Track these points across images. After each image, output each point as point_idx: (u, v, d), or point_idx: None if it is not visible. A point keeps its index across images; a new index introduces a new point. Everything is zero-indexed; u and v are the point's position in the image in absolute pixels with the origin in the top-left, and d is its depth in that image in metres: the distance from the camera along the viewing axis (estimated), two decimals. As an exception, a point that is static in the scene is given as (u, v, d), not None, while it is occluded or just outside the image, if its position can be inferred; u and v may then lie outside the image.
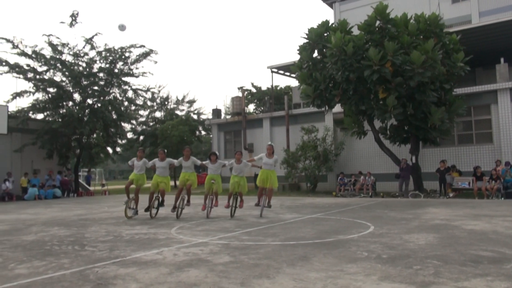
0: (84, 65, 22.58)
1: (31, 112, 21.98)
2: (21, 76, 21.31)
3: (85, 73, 22.25)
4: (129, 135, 30.97)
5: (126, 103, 24.54)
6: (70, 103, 22.55)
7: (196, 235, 7.39)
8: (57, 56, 21.88)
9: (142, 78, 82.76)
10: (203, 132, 36.77)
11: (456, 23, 23.19)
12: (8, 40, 21.01)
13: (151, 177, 10.83)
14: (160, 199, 10.27)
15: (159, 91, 35.25)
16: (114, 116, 23.54)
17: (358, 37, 15.32)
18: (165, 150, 10.57)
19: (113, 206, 14.58)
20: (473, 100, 18.52)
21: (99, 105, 22.57)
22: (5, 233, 8.30)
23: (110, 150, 26.04)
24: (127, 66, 23.42)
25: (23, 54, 21.30)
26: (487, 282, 4.01)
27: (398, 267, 4.65)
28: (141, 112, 30.44)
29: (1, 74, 21.22)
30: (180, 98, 36.32)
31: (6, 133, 20.17)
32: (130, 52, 23.21)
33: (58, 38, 22.14)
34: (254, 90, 39.88)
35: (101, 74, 22.78)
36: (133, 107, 25.64)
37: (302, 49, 17.04)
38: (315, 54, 17.12)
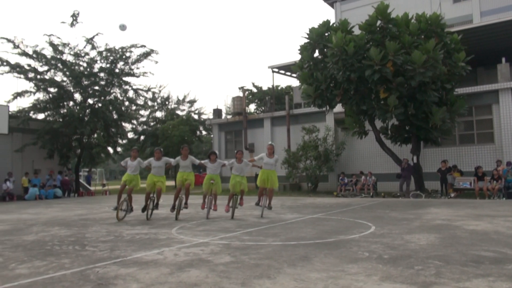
0: (85, 65, 22.61)
1: (32, 112, 22.01)
2: (22, 76, 21.34)
3: (86, 73, 22.27)
4: (130, 135, 30.99)
5: (127, 103, 24.56)
6: (71, 103, 22.58)
7: (197, 235, 7.39)
8: (58, 56, 21.91)
9: (143, 78, 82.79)
10: (203, 132, 36.79)
11: (458, 22, 23.17)
12: (9, 40, 21.05)
13: (145, 177, 10.45)
14: (155, 201, 9.89)
15: (160, 91, 35.33)
16: (115, 116, 23.57)
17: (359, 36, 15.31)
18: (162, 149, 10.23)
19: (114, 206, 14.56)
20: (475, 100, 18.50)
21: (99, 105, 22.59)
22: (6, 233, 8.31)
23: (110, 150, 26.07)
24: (128, 66, 23.44)
25: (24, 54, 21.34)
26: (488, 283, 4.00)
27: (399, 268, 4.64)
28: (142, 112, 30.48)
29: (2, 74, 21.30)
30: (181, 98, 36.39)
31: (7, 133, 20.20)
32: (131, 52, 23.24)
33: (59, 38, 22.20)
34: (255, 90, 39.88)
35: (102, 74, 22.80)
36: (133, 107, 25.67)
37: (303, 49, 17.04)
38: (316, 54, 17.12)
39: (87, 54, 22.64)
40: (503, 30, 19.24)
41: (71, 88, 22.40)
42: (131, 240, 7.01)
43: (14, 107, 22.94)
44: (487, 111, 18.44)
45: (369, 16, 15.75)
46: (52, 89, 22.00)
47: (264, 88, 39.59)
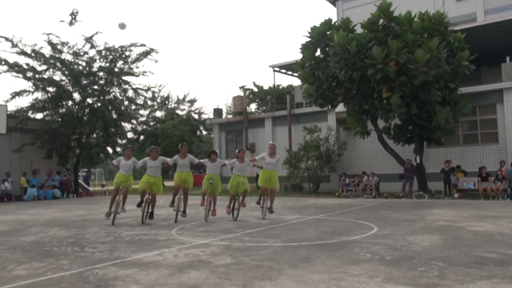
0: (84, 64, 22.62)
1: (30, 112, 22.04)
2: (20, 75, 21.37)
3: (85, 72, 22.29)
4: (130, 135, 31.09)
5: (126, 103, 24.58)
6: (70, 103, 22.59)
7: (197, 236, 7.39)
8: (57, 55, 21.93)
9: (143, 77, 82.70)
10: (204, 132, 36.87)
11: (461, 21, 23.15)
12: (7, 39, 21.07)
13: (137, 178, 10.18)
14: (150, 209, 9.35)
15: (160, 91, 35.44)
16: (114, 116, 23.58)
17: (361, 35, 15.30)
18: (157, 148, 9.75)
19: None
20: (478, 99, 18.47)
21: (99, 104, 22.61)
22: (4, 234, 8.32)
23: (110, 150, 26.08)
24: (127, 65, 23.46)
25: (22, 53, 21.36)
26: (492, 285, 3.99)
27: (402, 269, 4.64)
28: (142, 111, 30.55)
29: (0, 73, 21.28)
30: (181, 98, 36.52)
31: (5, 133, 20.22)
32: (130, 51, 23.26)
33: (57, 37, 22.19)
34: (255, 89, 39.90)
35: (101, 73, 22.82)
36: (133, 107, 25.69)
37: (305, 48, 17.03)
38: (318, 53, 17.11)
39: (86, 53, 22.67)
40: (507, 28, 19.21)
41: (70, 88, 22.42)
42: (130, 241, 7.01)
43: (12, 106, 23.03)
44: (491, 110, 18.42)
45: (372, 14, 15.74)
46: (50, 89, 22.02)
47: (265, 87, 39.61)
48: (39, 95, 21.98)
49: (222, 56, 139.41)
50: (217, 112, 28.49)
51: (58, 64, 21.92)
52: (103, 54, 22.75)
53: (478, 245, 5.99)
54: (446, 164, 16.31)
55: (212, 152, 9.88)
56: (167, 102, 35.81)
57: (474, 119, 18.71)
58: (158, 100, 35.23)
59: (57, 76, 22.32)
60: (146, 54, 23.54)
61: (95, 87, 22.70)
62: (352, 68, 15.08)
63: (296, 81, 34.67)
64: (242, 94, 28.03)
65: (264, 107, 37.52)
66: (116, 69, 23.08)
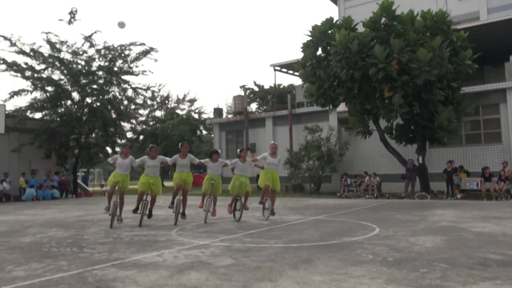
0: (83, 63, 22.64)
1: (29, 111, 22.05)
2: (18, 74, 21.40)
3: (84, 71, 22.30)
4: (129, 134, 31.08)
5: (125, 102, 24.60)
6: (69, 102, 22.62)
7: (197, 237, 7.39)
8: (56, 54, 21.95)
9: (142, 77, 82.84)
10: (204, 132, 36.88)
11: (464, 20, 23.13)
12: (5, 38, 21.10)
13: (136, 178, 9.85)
14: (149, 207, 9.13)
15: (160, 90, 35.42)
16: (114, 115, 23.60)
17: (363, 34, 15.30)
18: (156, 147, 9.46)
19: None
20: (482, 99, 18.47)
21: (98, 104, 22.62)
22: (2, 234, 8.33)
23: (109, 150, 26.10)
24: (126, 64, 23.47)
25: (21, 52, 21.39)
26: (495, 286, 3.99)
27: (404, 270, 4.64)
28: (141, 111, 30.56)
29: (-1, 72, 21.31)
30: (180, 97, 36.49)
31: (4, 132, 20.25)
32: (130, 50, 23.27)
33: (56, 35, 22.21)
34: (256, 89, 39.91)
35: (100, 73, 22.83)
36: (132, 106, 25.71)
37: (306, 47, 17.04)
38: (319, 52, 17.12)
39: (85, 52, 22.69)
40: (511, 27, 19.20)
41: (69, 87, 22.44)
42: (130, 242, 7.01)
43: (10, 106, 23.02)
44: (494, 110, 18.40)
45: (373, 13, 15.74)
46: (49, 88, 22.04)
47: (266, 86, 39.63)
48: (37, 94, 22.04)
49: (223, 55, 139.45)
50: (217, 111, 28.50)
51: (57, 63, 21.95)
52: (102, 53, 22.77)
53: (481, 246, 5.98)
54: (448, 164, 16.30)
55: (213, 152, 9.68)
56: (166, 102, 35.82)
57: (477, 119, 18.70)
58: (158, 99, 35.25)
59: (56, 76, 22.37)
60: (145, 53, 23.56)
61: (94, 86, 22.72)
62: (353, 67, 15.09)
63: (297, 81, 34.66)
64: (242, 93, 28.05)
65: (265, 107, 37.54)
66: (116, 68, 23.09)
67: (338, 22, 17.08)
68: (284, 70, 27.18)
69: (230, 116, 30.65)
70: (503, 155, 17.56)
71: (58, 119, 21.75)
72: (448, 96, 15.95)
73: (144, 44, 23.41)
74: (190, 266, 5.08)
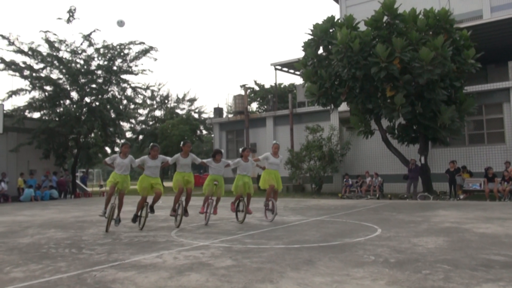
0: (81, 62, 22.66)
1: (27, 111, 22.06)
2: (17, 73, 21.42)
3: (82, 70, 22.32)
4: (128, 134, 31.07)
5: (125, 102, 24.61)
6: (68, 102, 22.63)
7: (197, 238, 7.39)
8: (54, 53, 21.97)
9: (142, 76, 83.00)
10: (204, 132, 36.88)
11: (467, 18, 23.10)
12: (4, 37, 21.12)
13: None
14: (150, 204, 8.70)
15: (159, 89, 35.42)
16: (113, 115, 23.61)
17: (365, 33, 15.30)
18: (158, 146, 9.02)
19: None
20: (485, 98, 18.45)
21: (97, 103, 22.63)
22: (0, 235, 8.33)
23: (108, 150, 26.11)
24: (126, 64, 23.48)
25: (19, 51, 21.40)
26: (499, 288, 3.99)
27: (406, 272, 4.63)
28: (141, 111, 30.57)
29: (-3, 71, 21.34)
30: (180, 97, 36.49)
31: (2, 132, 20.27)
32: (129, 49, 23.28)
33: (55, 34, 22.22)
34: (257, 88, 39.94)
35: (99, 72, 22.85)
36: (132, 106, 25.71)
37: (307, 46, 17.04)
38: (320, 51, 17.12)
39: (84, 51, 22.70)
40: (514, 26, 19.18)
41: (68, 86, 22.46)
42: (129, 243, 7.02)
43: (9, 105, 23.01)
44: (497, 109, 18.39)
45: (375, 11, 15.74)
46: (48, 87, 22.06)
47: (267, 86, 39.67)
48: (36, 94, 22.05)
49: (223, 54, 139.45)
50: (218, 111, 28.50)
51: (55, 62, 21.96)
52: (101, 52, 22.78)
53: (484, 247, 5.98)
54: (451, 165, 16.29)
55: (217, 151, 9.40)
56: (166, 101, 35.83)
57: (480, 119, 18.68)
58: (158, 99, 35.25)
59: (55, 75, 22.37)
60: (145, 52, 23.57)
61: (93, 85, 22.73)
62: (355, 67, 15.09)
63: (298, 80, 34.67)
64: (243, 93, 28.04)
65: (265, 106, 37.56)
66: (115, 68, 23.10)
67: (339, 21, 17.08)
68: (285, 69, 27.18)
69: (230, 115, 30.66)
70: (507, 155, 17.55)
71: (57, 119, 21.76)
72: (451, 96, 15.94)
73: (143, 43, 23.44)
74: (190, 267, 5.08)
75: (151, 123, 34.70)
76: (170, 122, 30.59)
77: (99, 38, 70.00)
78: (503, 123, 18.12)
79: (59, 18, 22.45)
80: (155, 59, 27.89)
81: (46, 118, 21.98)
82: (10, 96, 21.46)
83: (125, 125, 26.91)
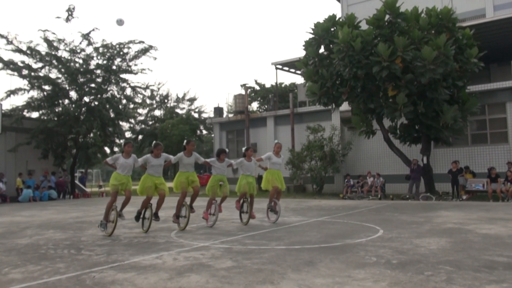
0: (80, 61, 22.67)
1: (25, 111, 22.08)
2: (15, 73, 21.43)
3: (81, 70, 22.33)
4: (128, 134, 31.12)
5: (124, 101, 24.62)
6: (66, 101, 22.65)
7: (197, 238, 7.40)
8: (53, 52, 21.98)
9: (141, 75, 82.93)
10: (204, 132, 36.93)
11: (470, 17, 23.08)
12: (2, 36, 21.13)
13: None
14: (155, 210, 8.31)
15: (159, 89, 35.50)
16: (112, 115, 23.63)
17: (366, 32, 15.29)
18: (162, 145, 8.68)
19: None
20: (488, 98, 18.44)
21: (96, 103, 22.65)
22: (-2, 236, 8.34)
23: (107, 150, 26.13)
24: (125, 63, 23.49)
25: (17, 50, 21.42)
26: (502, 289, 3.99)
27: (408, 273, 4.63)
28: (140, 110, 30.62)
29: (-5, 71, 21.36)
30: (180, 96, 36.58)
31: (0, 132, 20.28)
32: (128, 48, 23.29)
33: (54, 33, 22.23)
34: (257, 88, 39.95)
35: (98, 71, 22.86)
36: (131, 105, 25.73)
37: (308, 45, 17.03)
38: (322, 50, 17.11)
39: (83, 50, 22.71)
40: (518, 24, 19.17)
41: (67, 86, 22.47)
42: (128, 243, 7.02)
43: (7, 105, 23.01)
44: (500, 109, 18.37)
45: (377, 10, 15.74)
46: (46, 87, 22.08)
47: (267, 85, 39.67)
48: (34, 93, 22.06)
49: (223, 53, 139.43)
50: (218, 111, 28.51)
51: (54, 61, 21.98)
52: (100, 51, 22.79)
53: (487, 248, 5.98)
54: (454, 165, 16.28)
55: (221, 151, 9.14)
56: (166, 101, 35.90)
57: (483, 118, 18.67)
58: (157, 98, 35.33)
59: (53, 74, 22.40)
60: (144, 51, 23.58)
61: (92, 85, 22.75)
62: (357, 66, 15.08)
63: (299, 79, 34.65)
64: (243, 92, 28.06)
65: (266, 106, 37.57)
66: (114, 67, 23.12)
67: (341, 20, 17.07)
68: (286, 68, 27.19)
69: (230, 115, 30.68)
70: (510, 155, 17.53)
71: (56, 119, 21.78)
72: (454, 95, 15.93)
73: (143, 42, 23.45)
74: (190, 268, 5.08)
75: (150, 122, 34.77)
76: (169, 121, 30.64)
77: (98, 37, 70.06)
78: (506, 123, 18.10)
79: (58, 17, 22.64)
80: (155, 58, 28.03)
81: (45, 117, 22.00)
82: (8, 95, 21.47)
83: (125, 125, 26.99)
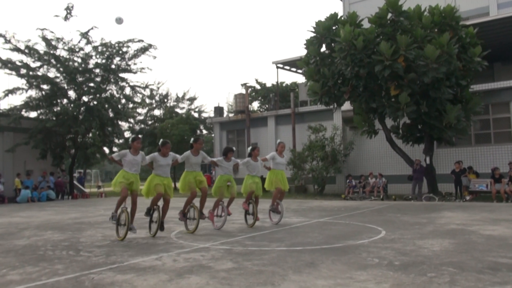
0: (79, 60, 22.69)
1: (24, 110, 22.13)
2: (13, 72, 21.46)
3: (80, 69, 22.35)
4: (127, 134, 31.07)
5: (123, 101, 24.65)
6: (65, 101, 22.68)
7: (197, 240, 7.40)
8: (51, 51, 22.01)
9: (141, 74, 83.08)
10: (204, 131, 36.85)
11: (473, 15, 23.08)
12: (0, 35, 21.15)
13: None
14: (161, 219, 7.87)
15: (158, 88, 35.40)
16: (111, 114, 23.65)
17: (368, 30, 15.28)
18: (170, 143, 8.15)
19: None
20: (491, 97, 18.42)
21: (95, 102, 22.67)
22: (-4, 237, 8.35)
23: (106, 150, 26.14)
24: (124, 62, 23.51)
25: (15, 49, 21.45)
26: (506, 291, 3.98)
27: (411, 275, 4.63)
28: (139, 110, 30.55)
29: (-7, 70, 21.37)
30: (180, 95, 36.47)
31: (-2, 132, 20.33)
32: (127, 47, 23.30)
33: (52, 32, 22.27)
34: (258, 87, 39.92)
35: (97, 70, 22.89)
36: (130, 105, 25.73)
37: (309, 43, 17.03)
38: (323, 49, 17.11)
39: (81, 49, 22.73)
40: (522, 23, 19.15)
41: (65, 85, 22.50)
42: (127, 245, 7.02)
43: (5, 104, 23.16)
44: (504, 109, 18.36)
45: (379, 8, 15.73)
46: (45, 86, 22.11)
47: (268, 84, 39.63)
48: (33, 93, 22.12)
49: (223, 52, 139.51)
50: (218, 110, 28.52)
51: (52, 60, 22.00)
52: (99, 50, 22.81)
53: (491, 249, 5.97)
54: (457, 165, 16.27)
55: (229, 149, 8.88)
56: (166, 100, 35.82)
57: (486, 118, 18.65)
58: (157, 98, 35.25)
59: (52, 73, 22.44)
60: (144, 50, 23.59)
61: (91, 84, 22.77)
62: (359, 65, 15.07)
63: (300, 78, 34.65)
64: (244, 91, 28.04)
65: (267, 105, 37.57)
66: (113, 66, 23.13)
67: (342, 18, 17.07)
68: (287, 67, 27.19)
69: (231, 115, 30.68)
70: (514, 155, 17.51)
71: (54, 118, 21.80)
72: (457, 95, 15.92)
73: (142, 40, 23.46)
74: (190, 270, 5.08)
75: (150, 122, 34.71)
76: (169, 121, 30.60)
77: (97, 36, 70.13)
78: (510, 123, 18.08)
79: (57, 16, 22.50)
80: (154, 57, 27.91)
81: (43, 117, 22.04)
82: (6, 95, 21.52)
83: (124, 125, 26.97)
